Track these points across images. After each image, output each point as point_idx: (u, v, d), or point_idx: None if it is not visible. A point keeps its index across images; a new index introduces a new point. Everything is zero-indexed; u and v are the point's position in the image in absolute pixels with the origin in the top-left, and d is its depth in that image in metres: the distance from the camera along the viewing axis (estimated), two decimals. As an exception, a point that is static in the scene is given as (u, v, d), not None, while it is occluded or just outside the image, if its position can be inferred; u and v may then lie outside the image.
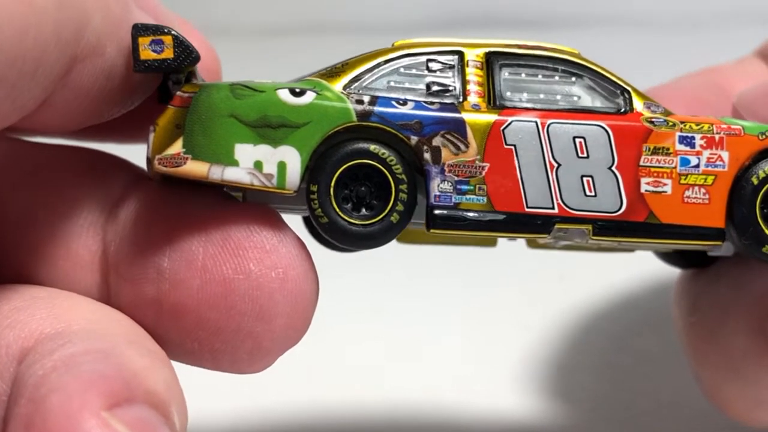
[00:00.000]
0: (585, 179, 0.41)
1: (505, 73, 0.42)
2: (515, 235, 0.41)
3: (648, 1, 1.03)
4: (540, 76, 0.42)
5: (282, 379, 0.58)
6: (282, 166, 0.39)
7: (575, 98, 0.42)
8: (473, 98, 0.41)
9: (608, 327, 0.66)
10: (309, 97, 0.39)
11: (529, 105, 0.42)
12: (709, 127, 0.42)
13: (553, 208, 0.41)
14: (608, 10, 1.02)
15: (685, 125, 0.42)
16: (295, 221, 0.43)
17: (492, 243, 0.50)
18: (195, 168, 0.39)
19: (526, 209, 0.41)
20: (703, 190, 0.41)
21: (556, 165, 0.41)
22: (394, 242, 0.49)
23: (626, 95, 0.42)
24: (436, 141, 0.40)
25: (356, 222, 0.40)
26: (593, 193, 0.41)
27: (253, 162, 0.39)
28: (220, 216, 0.39)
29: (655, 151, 0.41)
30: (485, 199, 0.40)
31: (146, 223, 0.39)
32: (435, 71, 0.42)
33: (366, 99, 0.40)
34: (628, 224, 0.41)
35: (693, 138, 0.42)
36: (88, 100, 0.38)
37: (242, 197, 0.42)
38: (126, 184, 0.41)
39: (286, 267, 0.38)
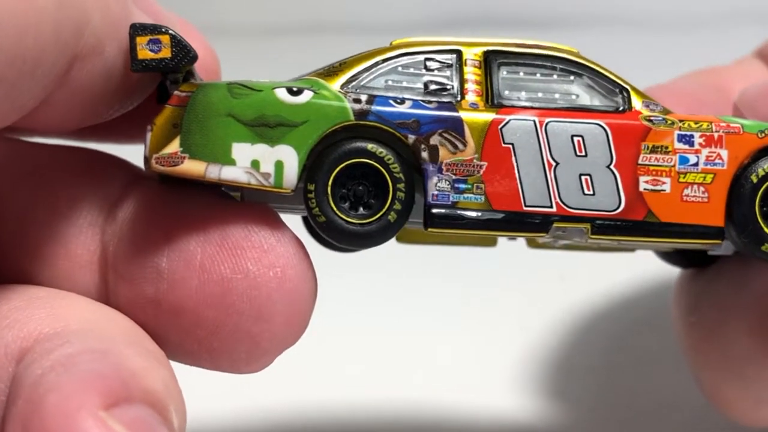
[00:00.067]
0: (583, 178, 0.41)
1: (504, 72, 0.42)
2: (513, 234, 0.41)
3: (648, 1, 1.03)
4: (538, 75, 0.42)
5: (281, 379, 0.58)
6: (279, 165, 0.39)
7: (573, 97, 0.42)
8: (471, 97, 0.41)
9: (608, 327, 0.66)
10: (306, 96, 0.39)
11: (527, 104, 0.41)
12: (708, 126, 0.42)
13: (551, 206, 0.41)
14: (608, 10, 1.02)
15: (683, 123, 0.42)
16: (294, 221, 0.43)
17: (492, 243, 0.50)
18: (192, 167, 0.39)
19: (524, 208, 0.40)
20: (702, 189, 0.41)
21: (554, 163, 0.41)
22: (393, 242, 0.50)
23: (625, 94, 0.42)
24: (434, 140, 0.40)
25: (354, 221, 0.40)
26: (592, 192, 0.41)
27: (251, 161, 0.39)
28: (219, 215, 0.39)
29: (654, 150, 0.41)
30: (483, 197, 0.40)
31: (144, 222, 0.39)
32: (433, 70, 0.42)
33: (363, 98, 0.40)
34: (627, 223, 0.41)
35: (692, 136, 0.41)
36: (88, 100, 0.38)
37: (240, 197, 0.42)
38: (125, 184, 0.41)
39: (284, 266, 0.38)
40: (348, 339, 0.64)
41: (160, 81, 0.40)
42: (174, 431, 0.34)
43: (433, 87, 0.41)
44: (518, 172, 0.40)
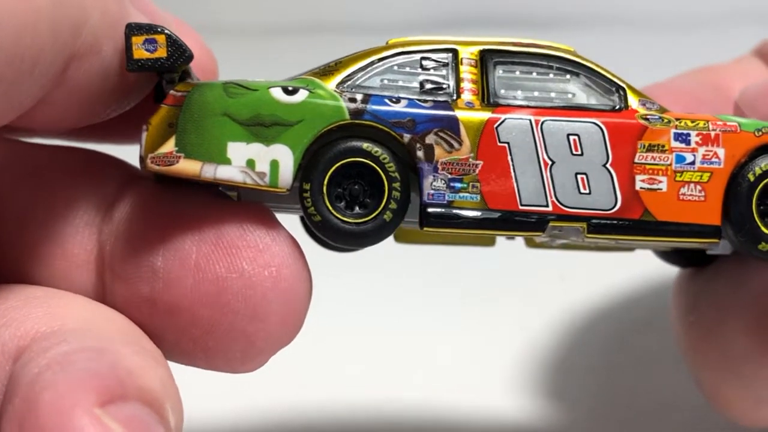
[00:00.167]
0: (579, 177, 0.41)
1: (500, 71, 0.42)
2: (509, 233, 0.41)
3: (648, 1, 1.03)
4: (534, 74, 0.42)
5: (280, 379, 0.58)
6: (275, 165, 0.39)
7: (570, 95, 0.42)
8: (467, 96, 0.41)
9: (608, 327, 0.66)
10: (302, 96, 0.39)
11: (523, 102, 0.41)
12: (704, 124, 0.42)
13: (547, 205, 0.41)
14: (608, 10, 1.02)
15: (680, 122, 0.41)
16: (292, 221, 0.43)
17: (490, 242, 0.50)
18: (187, 167, 0.39)
19: (520, 207, 0.40)
20: (698, 188, 0.41)
21: (550, 162, 0.41)
22: (392, 242, 0.50)
23: (621, 92, 0.42)
24: (429, 139, 0.40)
25: (349, 220, 0.40)
26: (588, 191, 0.41)
27: (246, 160, 0.39)
28: (214, 215, 0.39)
29: (650, 148, 0.41)
30: (479, 197, 0.40)
31: (140, 222, 0.39)
32: (429, 69, 0.42)
33: (359, 97, 0.40)
34: (623, 222, 0.41)
35: (688, 135, 0.41)
36: (85, 99, 0.38)
37: (237, 196, 0.42)
38: (121, 184, 0.41)
39: (279, 266, 0.38)
40: (347, 339, 0.64)
41: (157, 81, 0.40)
42: (170, 429, 0.34)
43: (428, 86, 0.41)
44: (514, 171, 0.40)
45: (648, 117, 0.42)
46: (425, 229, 0.40)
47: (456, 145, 0.40)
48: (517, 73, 0.42)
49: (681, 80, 0.52)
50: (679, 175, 0.41)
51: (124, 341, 0.36)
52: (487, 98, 0.41)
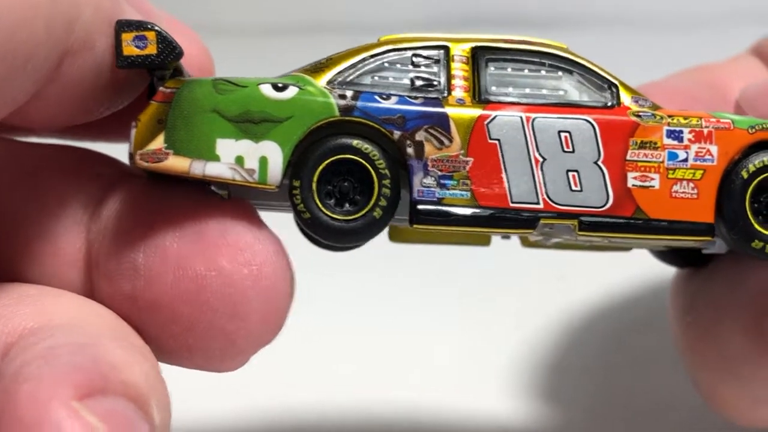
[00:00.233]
0: (571, 174, 0.41)
1: (491, 68, 0.42)
2: (500, 230, 0.41)
3: (648, 1, 1.03)
4: (526, 71, 0.42)
5: (273, 379, 0.58)
6: (263, 161, 0.39)
7: (561, 92, 0.42)
8: (458, 93, 0.41)
9: (606, 327, 0.66)
10: (291, 92, 0.39)
11: (514, 99, 0.41)
12: (697, 121, 0.41)
13: (538, 203, 0.40)
14: (608, 10, 1.02)
15: (673, 119, 0.41)
16: (286, 219, 0.43)
17: (485, 242, 0.50)
18: (176, 163, 0.39)
19: (511, 204, 0.40)
20: (691, 185, 0.41)
21: (541, 159, 0.40)
22: (390, 242, 0.50)
23: (614, 89, 0.42)
24: (419, 135, 0.40)
25: (339, 217, 0.40)
26: (579, 188, 0.41)
27: (235, 157, 0.39)
28: (197, 212, 0.39)
29: (643, 146, 0.41)
30: (469, 194, 0.40)
31: (125, 219, 0.39)
32: (420, 66, 0.42)
33: (349, 94, 0.40)
34: (615, 219, 0.41)
35: (681, 132, 0.41)
36: (78, 95, 0.38)
37: (228, 194, 0.42)
38: (112, 182, 0.41)
39: (261, 264, 0.38)
40: (343, 338, 0.64)
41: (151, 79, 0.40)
42: (154, 425, 0.34)
43: (419, 83, 0.41)
44: (505, 168, 0.40)
45: (640, 114, 0.41)
46: (415, 226, 0.40)
47: (446, 142, 0.40)
48: (509, 70, 0.42)
49: (677, 79, 0.51)
50: (671, 172, 0.41)
51: (110, 336, 0.36)
52: (478, 95, 0.41)
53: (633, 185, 0.41)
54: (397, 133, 0.40)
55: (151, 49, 0.38)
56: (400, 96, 0.40)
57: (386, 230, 0.48)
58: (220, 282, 0.37)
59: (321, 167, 0.40)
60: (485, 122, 0.40)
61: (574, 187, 0.40)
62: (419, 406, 0.58)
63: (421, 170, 0.40)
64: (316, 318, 0.64)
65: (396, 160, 0.40)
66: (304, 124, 0.39)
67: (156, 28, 0.38)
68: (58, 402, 0.32)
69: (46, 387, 0.32)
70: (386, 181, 0.40)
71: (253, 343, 0.38)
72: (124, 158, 0.43)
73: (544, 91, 0.42)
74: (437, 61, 0.42)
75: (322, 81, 0.40)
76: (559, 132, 0.40)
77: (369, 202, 0.40)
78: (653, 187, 0.41)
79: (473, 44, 0.42)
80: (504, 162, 0.40)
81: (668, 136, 0.41)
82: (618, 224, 0.41)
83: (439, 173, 0.40)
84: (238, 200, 0.40)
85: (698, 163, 0.41)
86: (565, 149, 0.40)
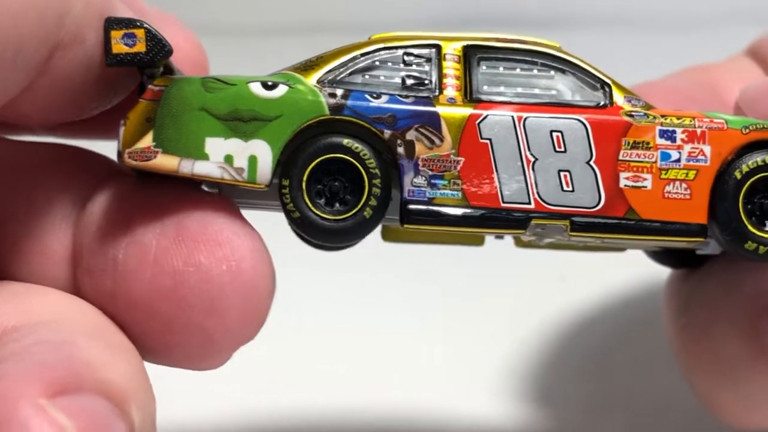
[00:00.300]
0: (562, 174, 0.40)
1: (483, 67, 0.42)
2: (491, 231, 0.41)
3: (648, 1, 1.03)
4: (518, 70, 0.42)
5: (259, 378, 0.58)
6: (253, 160, 0.39)
7: (554, 92, 0.42)
8: (450, 92, 0.41)
9: (608, 327, 0.65)
10: (281, 91, 0.39)
11: (506, 99, 0.41)
12: (690, 121, 0.41)
13: (529, 203, 0.40)
14: (608, 10, 1.02)
15: (665, 119, 0.41)
16: (281, 218, 0.42)
17: (479, 242, 0.50)
18: (165, 162, 0.38)
19: (502, 204, 0.40)
20: (684, 185, 0.41)
21: (532, 159, 0.40)
22: (387, 243, 0.49)
23: (606, 89, 0.42)
24: (410, 135, 0.40)
25: (329, 217, 0.40)
26: (571, 188, 0.40)
27: (224, 156, 0.39)
28: (178, 208, 0.38)
29: (635, 146, 0.41)
30: (460, 194, 0.40)
31: (109, 215, 0.39)
32: (411, 65, 0.41)
33: (339, 92, 0.40)
34: (607, 220, 0.40)
35: (674, 132, 0.41)
36: (68, 89, 0.38)
37: (218, 194, 0.42)
38: (101, 179, 0.41)
39: (239, 260, 0.37)
40: (337, 339, 0.63)
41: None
42: (132, 425, 0.34)
43: (410, 82, 0.41)
44: (496, 168, 0.40)
45: (633, 114, 0.41)
46: (405, 226, 0.40)
47: (437, 141, 0.40)
48: (501, 69, 0.42)
49: (672, 79, 0.51)
50: (664, 172, 0.41)
51: (91, 335, 0.36)
52: (470, 94, 0.41)
53: (625, 185, 0.40)
54: (387, 133, 0.39)
55: (140, 47, 0.38)
56: (390, 95, 0.40)
57: (379, 230, 0.48)
58: (198, 278, 0.37)
59: (311, 166, 0.39)
60: (476, 122, 0.40)
61: (565, 188, 0.40)
62: (422, 407, 0.58)
63: (412, 170, 0.40)
64: (307, 317, 0.64)
65: (387, 160, 0.40)
66: (294, 122, 0.39)
67: (145, 25, 0.38)
68: (25, 400, 0.32)
69: (15, 385, 0.32)
70: (377, 181, 0.39)
71: (233, 340, 0.38)
72: (115, 156, 0.43)
73: (536, 91, 0.41)
74: (429, 60, 0.41)
75: (312, 79, 0.40)
76: (551, 132, 0.40)
77: (359, 201, 0.40)
78: (645, 187, 0.41)
79: (465, 43, 0.42)
80: (495, 162, 0.40)
81: (661, 136, 0.41)
82: (610, 225, 0.40)
83: (430, 173, 0.40)
84: (220, 196, 0.40)
85: (691, 163, 0.41)
86: (557, 149, 0.40)
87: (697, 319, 0.48)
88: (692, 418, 0.56)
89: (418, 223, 0.40)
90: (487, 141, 0.40)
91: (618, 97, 0.42)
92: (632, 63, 0.70)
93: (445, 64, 0.41)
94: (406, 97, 0.40)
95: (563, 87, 0.42)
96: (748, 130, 0.41)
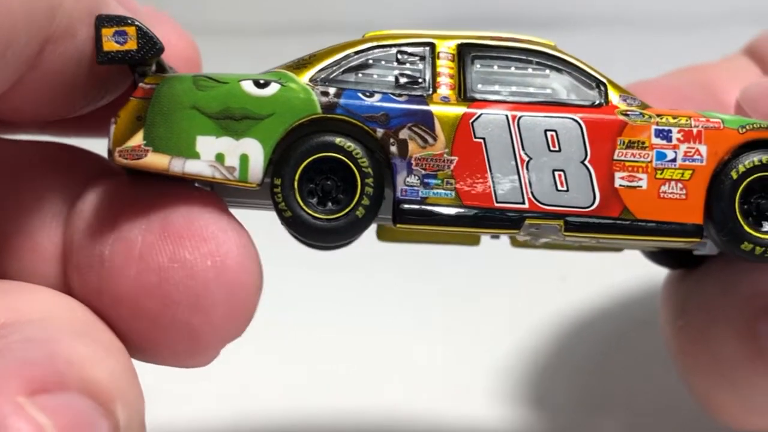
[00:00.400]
0: (557, 173, 0.40)
1: (477, 65, 0.41)
2: (484, 230, 0.40)
3: (648, 1, 1.03)
4: (513, 69, 0.41)
5: (252, 379, 0.58)
6: (244, 159, 0.38)
7: (549, 91, 0.41)
8: (443, 90, 0.41)
9: (608, 327, 0.65)
10: (273, 89, 0.39)
11: (500, 97, 0.41)
12: (686, 121, 0.41)
13: (523, 203, 0.40)
14: (608, 10, 1.02)
15: (661, 118, 0.41)
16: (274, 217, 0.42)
17: (475, 242, 0.50)
18: (155, 161, 0.38)
19: (496, 204, 0.40)
20: (680, 185, 0.40)
21: (526, 159, 0.40)
22: (385, 243, 0.49)
23: (602, 88, 0.41)
24: (403, 134, 0.39)
25: (321, 216, 0.39)
26: (565, 188, 0.40)
27: (215, 154, 0.38)
28: (164, 204, 0.38)
29: (630, 145, 0.40)
30: (453, 193, 0.40)
31: (97, 213, 0.39)
32: (405, 63, 0.41)
33: (332, 91, 0.39)
34: (602, 220, 0.40)
35: (670, 131, 0.41)
36: (60, 84, 0.38)
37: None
38: (92, 177, 0.41)
39: (224, 256, 0.37)
40: (333, 338, 0.63)
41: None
42: (117, 424, 0.33)
43: (404, 80, 0.41)
44: (489, 167, 0.40)
45: (628, 113, 0.41)
46: (398, 226, 0.40)
47: (430, 140, 0.39)
48: (495, 67, 0.41)
49: (668, 78, 0.51)
50: (659, 172, 0.40)
51: (77, 333, 0.35)
52: (464, 93, 0.41)
53: (620, 185, 0.40)
54: (380, 131, 0.39)
55: (131, 45, 0.38)
56: (384, 93, 0.40)
57: (375, 230, 0.48)
58: (183, 274, 0.37)
59: (303, 165, 0.39)
60: (470, 120, 0.40)
61: (560, 187, 0.40)
62: (422, 407, 0.58)
63: (405, 169, 0.39)
64: (306, 317, 0.64)
65: (379, 159, 0.39)
66: (286, 121, 0.39)
67: (136, 23, 0.38)
68: (4, 398, 0.32)
69: None
70: (369, 180, 0.39)
71: (219, 338, 0.38)
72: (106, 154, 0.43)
73: (531, 89, 0.41)
74: (423, 58, 0.41)
75: (304, 78, 0.40)
76: (546, 131, 0.40)
77: (352, 201, 0.39)
78: (641, 187, 0.40)
79: (459, 41, 0.42)
80: (489, 161, 0.40)
81: (656, 136, 0.40)
82: (605, 225, 0.40)
83: (423, 172, 0.39)
84: (207, 192, 0.39)
85: (687, 163, 0.40)
86: (552, 148, 0.40)
87: (695, 321, 0.48)
88: (691, 419, 0.56)
89: (411, 222, 0.40)
90: (481, 140, 0.40)
91: (613, 96, 0.41)
92: (632, 63, 0.70)
93: (438, 62, 0.41)
94: (400, 95, 0.40)
95: (558, 86, 0.41)
96: (744, 130, 0.41)
